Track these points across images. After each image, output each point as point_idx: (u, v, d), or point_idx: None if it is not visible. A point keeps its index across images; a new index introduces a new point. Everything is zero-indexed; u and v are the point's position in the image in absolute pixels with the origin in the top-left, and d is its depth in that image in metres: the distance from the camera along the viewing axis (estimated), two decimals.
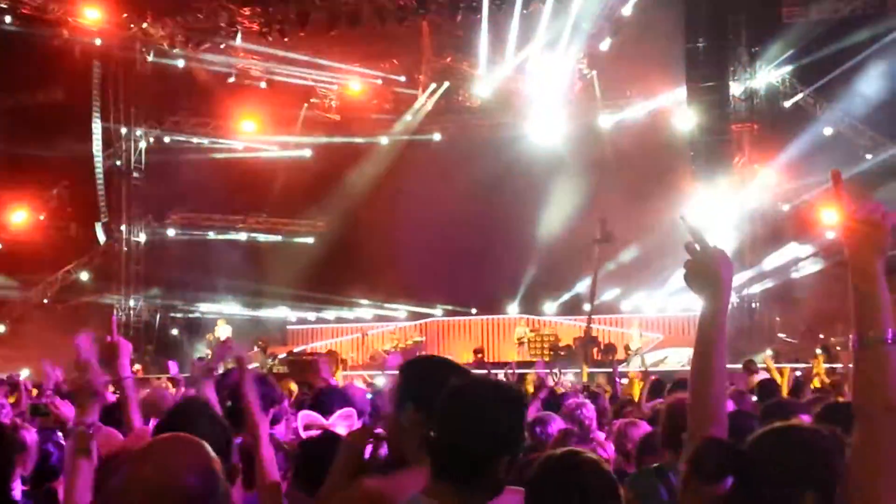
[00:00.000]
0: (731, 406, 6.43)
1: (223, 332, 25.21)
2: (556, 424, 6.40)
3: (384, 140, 29.67)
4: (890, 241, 2.47)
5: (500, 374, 14.56)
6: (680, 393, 6.70)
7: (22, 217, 27.11)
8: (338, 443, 4.50)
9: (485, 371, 15.24)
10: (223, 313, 26.94)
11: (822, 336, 22.79)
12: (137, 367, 24.17)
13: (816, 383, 11.45)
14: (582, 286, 23.36)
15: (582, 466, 3.13)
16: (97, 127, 27.40)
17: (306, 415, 4.94)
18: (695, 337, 2.74)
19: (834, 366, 15.03)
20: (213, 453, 2.37)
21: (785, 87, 25.62)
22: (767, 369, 12.95)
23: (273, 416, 5.65)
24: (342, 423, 5.33)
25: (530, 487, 2.99)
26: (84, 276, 27.91)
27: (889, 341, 2.38)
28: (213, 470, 2.33)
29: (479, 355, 25.74)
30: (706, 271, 2.71)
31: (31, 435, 5.57)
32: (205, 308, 27.97)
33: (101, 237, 27.81)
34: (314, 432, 4.63)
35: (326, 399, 5.99)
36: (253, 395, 4.20)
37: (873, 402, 2.39)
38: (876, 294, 2.44)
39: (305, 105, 29.62)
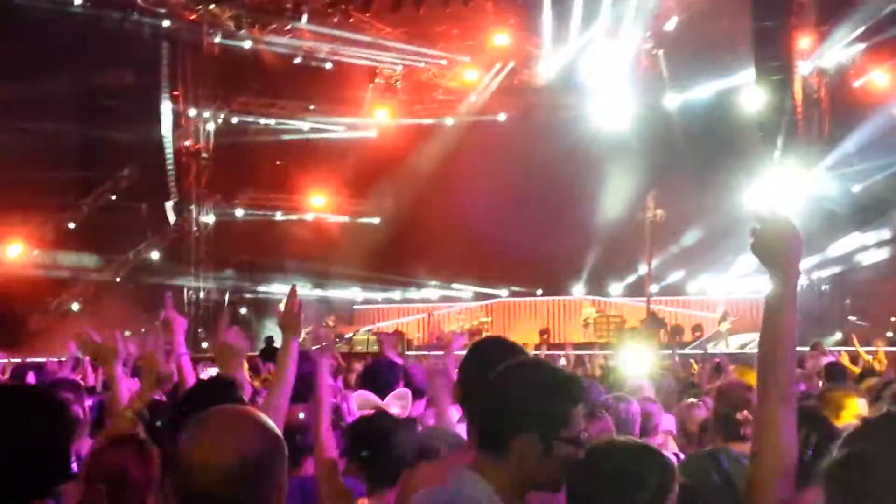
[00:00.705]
0: (802, 388, 6.43)
1: None
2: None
3: (449, 121, 29.67)
4: None
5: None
6: (734, 375, 6.69)
7: (94, 197, 27.59)
8: (392, 422, 4.55)
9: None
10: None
11: (893, 319, 22.46)
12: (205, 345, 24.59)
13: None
14: (645, 267, 23.16)
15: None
16: (167, 108, 27.76)
17: (360, 394, 4.98)
18: (762, 316, 2.64)
19: None
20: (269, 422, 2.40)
21: (855, 67, 25.10)
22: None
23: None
24: (397, 402, 5.36)
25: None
26: (155, 255, 28.31)
27: None
28: (274, 437, 2.36)
29: (545, 336, 25.77)
30: (775, 242, 2.62)
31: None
32: (273, 288, 28.21)
33: (172, 217, 28.18)
34: (368, 412, 4.66)
35: (382, 375, 6.03)
36: (326, 373, 4.29)
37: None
38: None
39: (371, 86, 29.69)
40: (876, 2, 22.98)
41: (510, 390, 2.78)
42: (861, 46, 24.46)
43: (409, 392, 5.70)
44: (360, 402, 5.65)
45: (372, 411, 4.71)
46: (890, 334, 20.24)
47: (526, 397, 2.74)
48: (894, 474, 2.28)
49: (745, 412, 4.53)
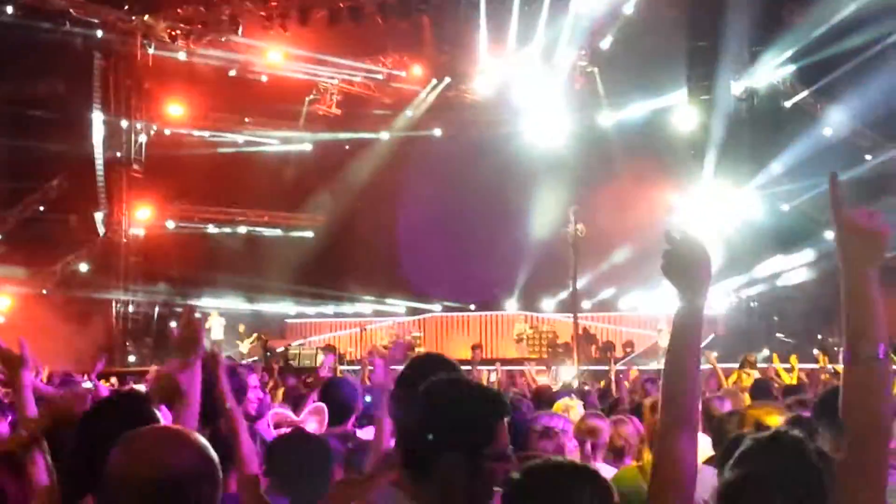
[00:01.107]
0: (728, 406, 6.47)
1: (215, 323, 25.20)
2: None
3: (385, 135, 29.66)
4: (886, 251, 2.40)
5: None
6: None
7: (21, 208, 27.15)
8: (308, 440, 4.51)
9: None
10: (221, 307, 26.88)
11: (819, 336, 22.81)
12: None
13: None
14: (579, 283, 23.27)
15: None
16: (98, 119, 27.39)
17: (276, 412, 4.95)
18: (670, 333, 2.64)
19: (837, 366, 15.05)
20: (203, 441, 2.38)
21: (786, 88, 25.52)
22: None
23: (256, 411, 5.66)
24: (313, 418, 5.34)
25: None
26: (83, 267, 27.89)
27: (881, 357, 2.31)
28: (206, 457, 2.34)
29: (477, 351, 25.75)
30: (685, 264, 2.63)
31: None
32: (204, 301, 27.91)
33: (101, 229, 27.79)
34: (284, 430, 4.63)
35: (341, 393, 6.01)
36: (226, 387, 4.20)
37: (861, 420, 2.33)
38: (869, 306, 2.36)
39: (307, 99, 29.57)
40: (807, 24, 23.42)
41: (433, 408, 2.75)
42: (791, 67, 24.87)
43: (324, 407, 5.69)
44: (276, 420, 5.62)
45: (289, 429, 4.69)
46: (816, 351, 20.53)
47: (449, 414, 2.72)
48: (784, 494, 2.33)
49: None
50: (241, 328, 25.69)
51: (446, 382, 2.88)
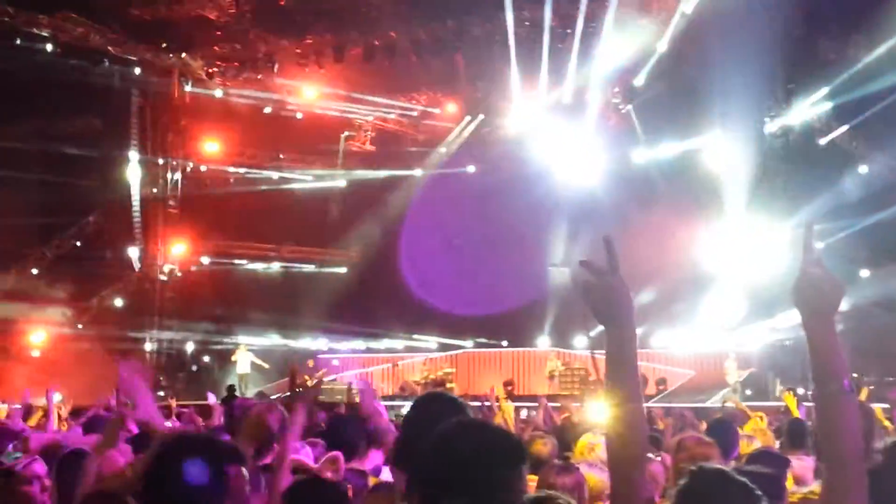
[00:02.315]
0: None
1: (242, 358, 25.26)
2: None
3: (419, 172, 29.77)
4: (841, 301, 2.52)
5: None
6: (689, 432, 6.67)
7: (58, 243, 27.42)
8: (323, 487, 4.49)
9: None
10: (254, 342, 26.93)
11: (855, 375, 22.55)
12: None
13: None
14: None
15: None
16: (134, 155, 27.68)
17: (294, 458, 4.91)
18: (604, 376, 2.62)
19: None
20: None
21: (821, 125, 25.38)
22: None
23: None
24: (329, 467, 5.32)
25: None
26: (119, 302, 28.09)
27: (847, 390, 2.44)
28: None
29: (510, 388, 25.62)
30: (605, 298, 2.63)
31: None
32: (238, 339, 27.96)
33: (137, 264, 28.01)
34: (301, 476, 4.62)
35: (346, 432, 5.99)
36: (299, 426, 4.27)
37: (837, 450, 2.46)
38: (831, 348, 2.50)
39: (343, 136, 29.74)
40: (841, 63, 23.32)
41: (443, 454, 2.62)
42: (828, 105, 24.74)
43: (340, 456, 5.67)
44: (294, 466, 5.60)
45: (304, 476, 4.66)
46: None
47: (458, 462, 2.59)
48: None
49: None
50: (266, 365, 25.67)
51: (456, 427, 2.75)
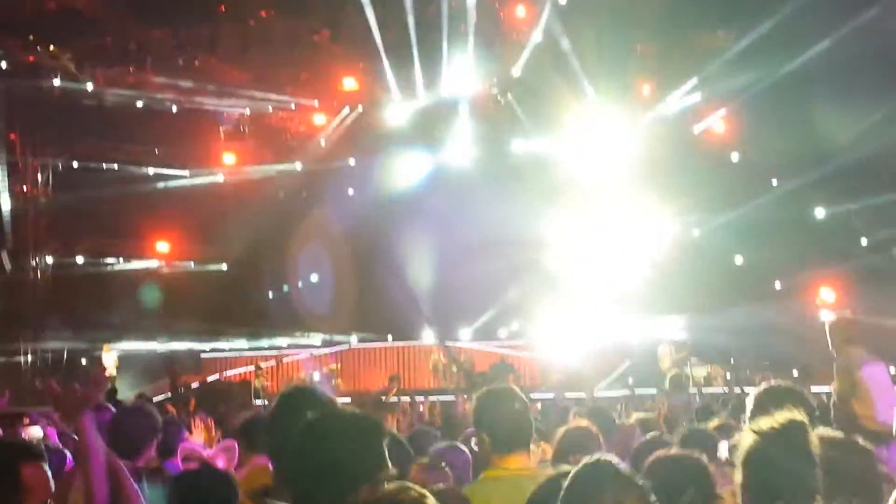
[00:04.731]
0: None
1: (108, 358, 24.67)
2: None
3: (298, 165, 29.42)
4: None
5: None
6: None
7: None
8: (216, 474, 4.36)
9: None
10: (134, 344, 26.37)
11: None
12: None
13: None
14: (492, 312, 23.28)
15: None
16: (1, 154, 26.77)
17: (185, 447, 4.80)
18: None
19: None
20: None
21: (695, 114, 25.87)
22: None
23: (164, 447, 5.47)
24: (223, 454, 5.20)
25: None
26: None
27: None
28: None
29: (395, 382, 25.59)
30: None
31: None
32: (114, 336, 27.29)
33: (7, 265, 27.14)
34: (193, 464, 4.48)
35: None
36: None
37: None
38: None
39: (218, 130, 29.24)
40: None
41: (314, 447, 2.66)
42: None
43: (235, 444, 5.53)
44: (185, 455, 5.44)
45: (196, 464, 4.54)
46: None
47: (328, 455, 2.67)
48: None
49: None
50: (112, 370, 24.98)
51: (323, 420, 2.82)
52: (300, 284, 27.94)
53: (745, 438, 3.01)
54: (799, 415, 2.97)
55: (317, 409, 2.95)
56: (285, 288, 28.39)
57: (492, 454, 4.44)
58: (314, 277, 27.45)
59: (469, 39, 24.32)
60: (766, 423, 2.98)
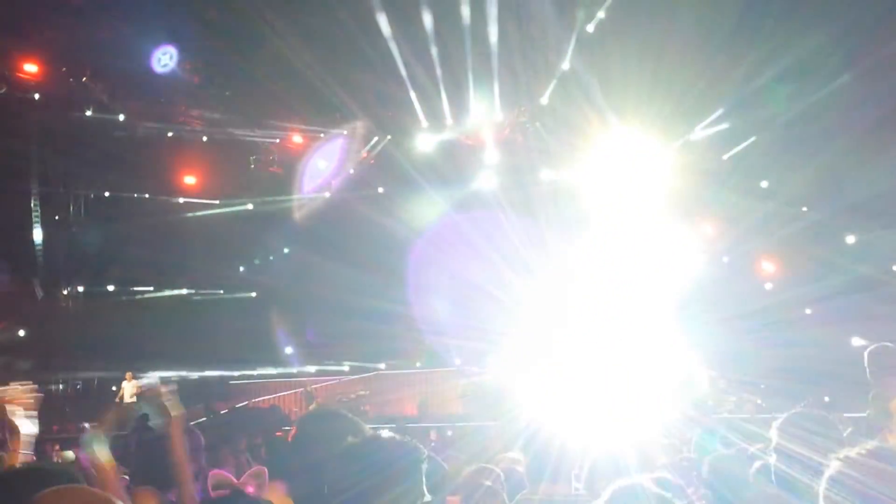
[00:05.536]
0: None
1: (128, 388, 24.74)
2: None
3: (327, 194, 29.53)
4: None
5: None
6: None
7: None
8: (250, 500, 4.42)
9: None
10: (162, 373, 26.35)
11: None
12: None
13: None
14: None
15: None
16: (34, 181, 27.05)
17: (215, 474, 4.84)
18: None
19: None
20: None
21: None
22: None
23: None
24: (253, 481, 5.24)
25: None
26: (21, 332, 27.36)
27: None
28: None
29: (424, 408, 25.60)
30: None
31: None
32: (145, 364, 27.31)
33: (39, 293, 27.35)
34: (223, 491, 4.53)
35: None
36: (184, 454, 4.14)
37: None
38: None
39: (251, 159, 29.38)
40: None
41: (356, 471, 2.70)
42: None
43: (265, 470, 5.58)
44: (215, 482, 5.50)
45: (227, 491, 4.59)
46: None
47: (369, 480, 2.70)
48: None
49: None
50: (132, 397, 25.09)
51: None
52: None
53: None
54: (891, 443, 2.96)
55: (354, 433, 2.97)
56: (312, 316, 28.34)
57: None
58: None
59: (494, 68, 24.31)
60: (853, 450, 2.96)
